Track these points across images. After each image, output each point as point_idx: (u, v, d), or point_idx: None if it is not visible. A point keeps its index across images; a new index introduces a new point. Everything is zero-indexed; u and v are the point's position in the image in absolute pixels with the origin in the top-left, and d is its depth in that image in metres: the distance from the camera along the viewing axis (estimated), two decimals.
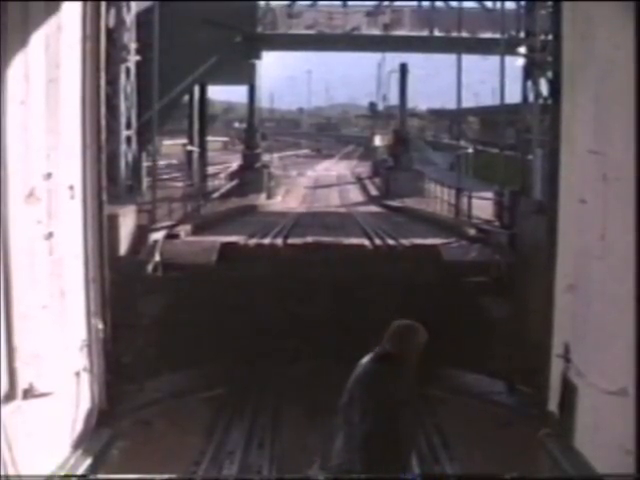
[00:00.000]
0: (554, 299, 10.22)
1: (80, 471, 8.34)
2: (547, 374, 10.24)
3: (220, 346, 12.64)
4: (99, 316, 10.04)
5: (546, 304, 10.33)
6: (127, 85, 18.48)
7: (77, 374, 9.02)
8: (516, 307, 13.14)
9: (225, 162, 41.37)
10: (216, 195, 28.07)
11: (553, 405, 10.00)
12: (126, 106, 18.30)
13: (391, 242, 16.27)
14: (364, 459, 5.92)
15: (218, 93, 77.70)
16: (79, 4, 8.93)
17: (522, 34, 19.31)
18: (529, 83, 18.07)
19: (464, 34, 30.08)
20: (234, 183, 32.06)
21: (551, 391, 10.10)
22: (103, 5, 10.12)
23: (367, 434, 5.93)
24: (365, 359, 6.47)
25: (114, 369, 10.34)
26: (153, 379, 11.75)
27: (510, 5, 23.43)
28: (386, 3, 35.11)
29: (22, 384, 7.73)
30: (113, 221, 12.79)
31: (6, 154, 7.44)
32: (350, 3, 35.02)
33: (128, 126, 18.62)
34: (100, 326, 10.00)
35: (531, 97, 18.00)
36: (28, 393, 7.80)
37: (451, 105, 39.64)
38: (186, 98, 29.92)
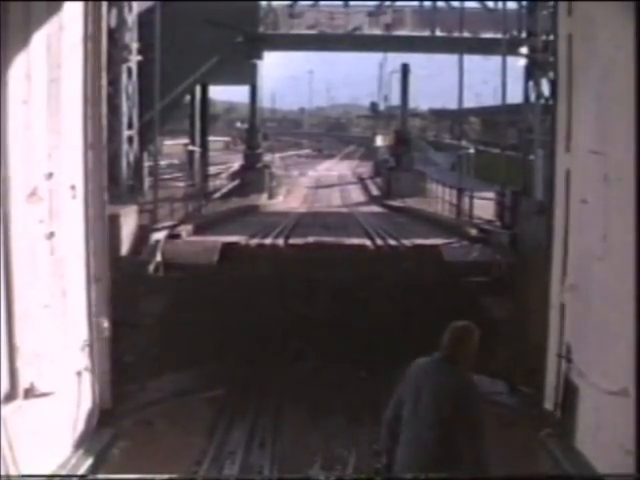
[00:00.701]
0: (555, 299, 10.25)
1: (81, 471, 8.35)
2: (548, 374, 10.25)
3: (221, 346, 12.64)
4: (104, 315, 10.06)
5: (547, 304, 10.33)
6: (129, 85, 18.51)
7: (78, 374, 9.03)
8: (517, 307, 13.15)
9: (226, 162, 41.37)
10: (217, 195, 28.08)
11: (554, 405, 10.01)
12: (128, 106, 18.33)
13: (392, 242, 16.27)
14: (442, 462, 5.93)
15: (220, 93, 77.67)
16: (80, 4, 8.93)
17: (524, 34, 19.35)
18: (531, 83, 18.10)
19: (466, 34, 30.07)
20: (235, 183, 32.07)
21: (552, 391, 10.10)
22: (105, 5, 10.11)
23: (442, 439, 5.97)
24: (422, 363, 6.37)
25: (116, 369, 10.34)
26: (155, 379, 11.75)
27: (512, 5, 23.47)
28: (388, 3, 35.12)
29: (23, 384, 7.74)
30: (115, 221, 12.80)
31: (8, 154, 7.45)
32: (352, 3, 35.04)
33: (130, 126, 18.65)
34: (105, 324, 10.04)
35: (533, 97, 18.03)
36: (29, 393, 7.80)
37: (453, 105, 39.72)
38: (188, 98, 29.95)
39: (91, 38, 9.28)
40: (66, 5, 8.50)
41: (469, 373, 6.19)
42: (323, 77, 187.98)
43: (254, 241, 16.12)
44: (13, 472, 7.22)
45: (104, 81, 9.99)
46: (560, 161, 10.27)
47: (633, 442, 7.24)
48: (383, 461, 6.32)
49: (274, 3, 34.33)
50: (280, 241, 16.38)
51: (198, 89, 30.53)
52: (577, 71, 9.50)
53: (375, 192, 36.58)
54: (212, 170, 33.70)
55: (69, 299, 8.87)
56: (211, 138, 35.49)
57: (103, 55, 9.92)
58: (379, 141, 54.41)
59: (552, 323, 10.20)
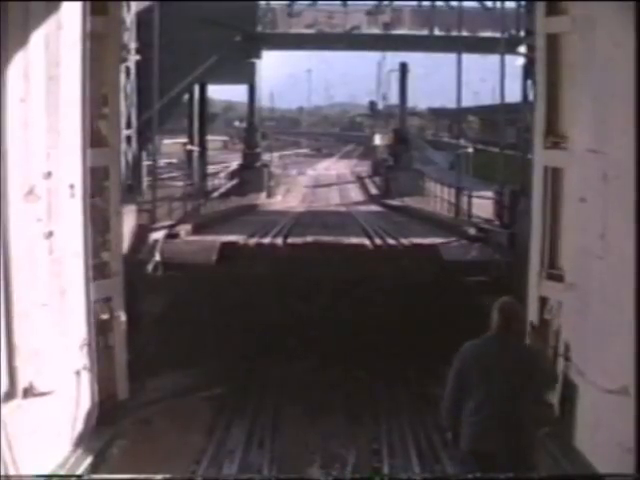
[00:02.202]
0: (533, 292, 10.30)
1: (80, 470, 8.34)
2: None
3: (220, 345, 12.64)
4: (121, 308, 10.35)
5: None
6: (127, 84, 18.49)
7: (77, 373, 9.02)
8: None
9: (225, 161, 41.43)
10: (216, 194, 28.10)
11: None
12: (126, 105, 18.31)
13: (391, 241, 16.29)
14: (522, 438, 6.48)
15: (218, 92, 77.62)
16: (79, 3, 8.92)
17: (522, 33, 19.34)
18: (529, 82, 18.08)
19: (464, 33, 30.09)
20: (234, 182, 32.10)
21: None
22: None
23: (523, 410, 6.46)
24: (479, 345, 6.72)
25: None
26: (153, 378, 11.75)
27: (510, 4, 23.50)
28: (386, 2, 35.15)
29: (22, 383, 7.73)
30: None
31: (6, 152, 7.45)
32: (350, 2, 35.06)
33: (128, 125, 18.63)
34: (123, 318, 10.32)
35: (531, 96, 18.01)
36: (28, 392, 7.79)
37: (451, 104, 39.63)
38: (186, 97, 29.98)
39: (89, 37, 9.26)
40: (65, 4, 8.49)
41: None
42: (322, 76, 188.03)
43: (253, 240, 16.14)
44: (12, 471, 7.21)
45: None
46: (538, 158, 10.48)
47: (632, 440, 7.25)
48: (449, 437, 6.78)
49: (272, 2, 34.38)
50: (279, 240, 16.40)
51: (197, 88, 30.54)
52: (576, 70, 9.51)
53: (374, 191, 36.62)
54: (211, 169, 33.73)
55: (68, 298, 8.86)
56: (209, 137, 35.52)
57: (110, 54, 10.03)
58: (378, 140, 54.43)
59: (531, 317, 10.18)
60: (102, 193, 10.32)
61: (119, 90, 10.68)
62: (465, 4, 32.00)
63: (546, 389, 6.76)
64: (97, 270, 10.11)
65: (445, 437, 7.12)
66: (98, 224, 10.18)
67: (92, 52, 9.69)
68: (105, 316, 10.15)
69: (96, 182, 10.11)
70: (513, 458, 6.44)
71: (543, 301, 10.15)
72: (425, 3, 34.82)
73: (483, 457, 6.47)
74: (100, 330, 10.16)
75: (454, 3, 32.19)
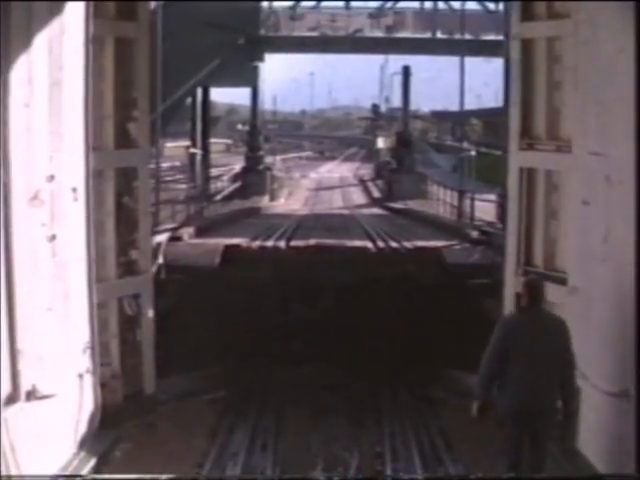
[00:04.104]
0: (509, 290, 10.50)
1: (83, 473, 8.34)
2: None
3: (223, 348, 12.65)
4: (150, 305, 10.81)
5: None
6: None
7: (80, 376, 9.03)
8: None
9: (228, 164, 41.44)
10: (219, 197, 28.13)
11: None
12: None
13: (394, 244, 16.28)
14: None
15: (221, 95, 77.63)
16: (82, 7, 8.93)
17: None
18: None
19: (467, 36, 30.10)
20: (237, 185, 32.14)
21: None
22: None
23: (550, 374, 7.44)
24: (518, 320, 7.80)
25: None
26: (157, 381, 11.75)
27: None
28: (389, 5, 35.17)
29: (25, 386, 7.75)
30: None
31: (10, 157, 7.47)
32: (353, 5, 35.11)
33: None
34: (151, 314, 10.84)
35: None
36: (31, 395, 7.81)
37: (454, 107, 39.69)
38: (189, 100, 29.98)
39: (92, 41, 9.28)
40: (68, 7, 8.50)
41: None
42: (324, 79, 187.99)
43: (256, 243, 16.14)
44: (15, 474, 7.22)
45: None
46: (513, 159, 10.95)
47: (634, 444, 7.25)
48: (476, 409, 7.64)
49: (275, 5, 34.39)
50: (282, 243, 16.40)
51: (199, 91, 30.56)
52: (579, 73, 9.52)
53: (376, 194, 36.62)
54: (213, 172, 33.74)
55: (71, 302, 8.87)
56: (212, 140, 35.53)
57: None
58: (380, 143, 54.48)
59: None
60: (131, 193, 10.65)
61: (148, 94, 10.93)
62: (468, 7, 32.04)
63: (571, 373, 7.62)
64: (125, 267, 10.61)
65: (471, 408, 7.73)
66: (127, 223, 10.60)
67: (122, 56, 10.27)
68: (131, 312, 10.61)
69: (126, 182, 10.56)
70: (550, 416, 7.60)
71: (518, 297, 10.31)
72: (428, 6, 34.87)
73: (526, 418, 7.49)
74: (128, 326, 10.65)
75: (457, 6, 32.23)
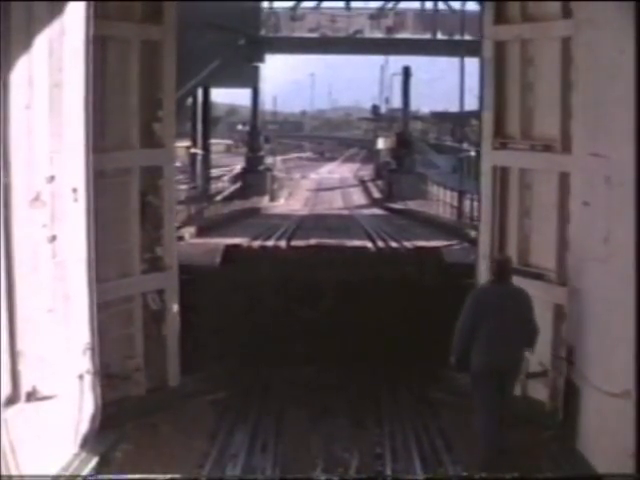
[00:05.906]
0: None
1: (84, 473, 8.35)
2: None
3: (224, 349, 12.65)
4: (175, 301, 11.25)
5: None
6: None
7: (81, 377, 9.04)
8: None
9: (228, 165, 41.45)
10: (220, 197, 28.14)
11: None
12: None
13: (394, 244, 16.28)
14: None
15: (221, 96, 77.53)
16: (82, 6, 8.93)
17: None
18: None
19: (467, 37, 30.11)
20: (237, 185, 32.17)
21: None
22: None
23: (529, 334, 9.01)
24: (489, 290, 9.12)
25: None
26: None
27: None
28: (389, 5, 35.19)
29: (25, 387, 7.75)
30: None
31: (10, 158, 7.47)
32: (353, 6, 35.15)
33: None
34: (176, 309, 11.26)
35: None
36: (31, 396, 7.82)
37: (454, 108, 39.75)
38: (189, 101, 29.98)
39: (93, 41, 9.29)
40: (68, 8, 8.50)
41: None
42: (325, 80, 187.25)
43: (256, 243, 16.14)
44: (15, 475, 7.22)
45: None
46: (486, 158, 11.29)
47: (635, 445, 7.25)
48: (453, 361, 8.89)
49: (276, 6, 34.41)
50: (282, 243, 16.40)
51: (200, 92, 30.56)
52: (579, 73, 9.53)
53: (376, 194, 36.61)
54: (214, 173, 33.75)
55: (71, 302, 8.88)
56: (213, 141, 35.55)
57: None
58: (380, 144, 54.47)
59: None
60: (156, 191, 11.03)
61: (174, 95, 11.25)
62: (467, 8, 32.07)
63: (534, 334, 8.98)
64: (150, 264, 11.08)
65: (449, 362, 8.94)
66: (152, 221, 11.03)
67: (147, 59, 10.69)
68: (156, 307, 11.09)
69: (150, 180, 10.96)
70: (516, 371, 9.02)
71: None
72: (428, 7, 34.89)
73: (496, 372, 8.69)
74: (152, 320, 11.09)
75: (457, 7, 32.25)
